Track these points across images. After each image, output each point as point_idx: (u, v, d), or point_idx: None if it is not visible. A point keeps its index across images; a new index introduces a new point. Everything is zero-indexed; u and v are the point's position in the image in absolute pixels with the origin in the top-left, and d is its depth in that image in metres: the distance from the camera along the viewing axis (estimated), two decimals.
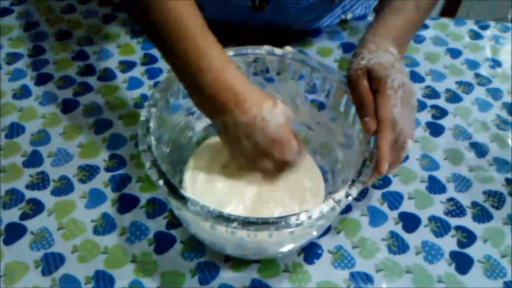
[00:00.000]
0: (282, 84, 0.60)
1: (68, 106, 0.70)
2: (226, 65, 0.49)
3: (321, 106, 0.60)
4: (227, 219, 0.44)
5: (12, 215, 0.58)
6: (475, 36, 0.84)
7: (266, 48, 0.58)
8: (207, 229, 0.48)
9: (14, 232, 0.57)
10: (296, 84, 0.60)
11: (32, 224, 0.57)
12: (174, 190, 0.46)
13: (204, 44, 0.48)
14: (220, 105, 0.48)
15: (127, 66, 0.75)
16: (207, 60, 0.48)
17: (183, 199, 0.45)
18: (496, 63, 0.80)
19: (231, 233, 0.47)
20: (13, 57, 0.76)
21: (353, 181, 0.48)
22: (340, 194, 0.46)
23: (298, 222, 0.44)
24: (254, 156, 0.51)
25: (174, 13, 0.47)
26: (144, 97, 0.71)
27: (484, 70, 0.78)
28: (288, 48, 0.59)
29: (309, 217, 0.45)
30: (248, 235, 0.47)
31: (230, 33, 0.79)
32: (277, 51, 0.58)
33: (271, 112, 0.49)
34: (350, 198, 0.46)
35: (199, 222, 0.48)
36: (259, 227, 0.44)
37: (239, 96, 0.48)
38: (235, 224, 0.43)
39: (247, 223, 0.44)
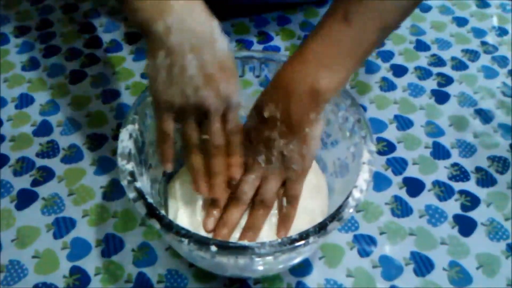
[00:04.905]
0: None
1: (75, 77, 0.71)
2: None
3: None
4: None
5: (23, 182, 0.59)
6: (482, 4, 0.83)
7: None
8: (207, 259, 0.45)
9: (25, 198, 0.58)
10: None
11: (43, 190, 0.59)
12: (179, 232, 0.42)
13: None
14: (169, 1, 0.42)
15: (133, 37, 0.76)
16: None
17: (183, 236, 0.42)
18: (503, 31, 0.79)
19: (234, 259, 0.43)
20: (21, 30, 0.77)
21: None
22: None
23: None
24: (197, 83, 0.43)
25: None
26: None
27: (491, 38, 0.78)
28: None
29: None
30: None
31: (238, 8, 0.80)
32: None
33: (222, 34, 0.44)
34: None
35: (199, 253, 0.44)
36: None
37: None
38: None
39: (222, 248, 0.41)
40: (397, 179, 0.61)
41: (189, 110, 0.45)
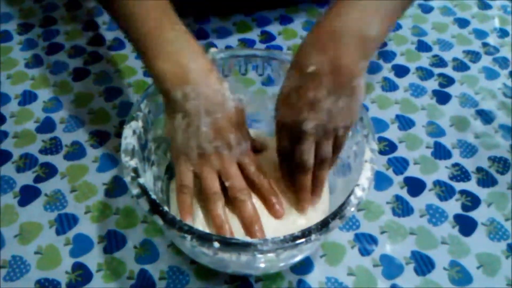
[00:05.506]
0: None
1: (79, 75, 0.71)
2: (190, 39, 0.48)
3: None
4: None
5: (26, 178, 0.60)
6: (484, 6, 0.84)
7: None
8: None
9: (28, 194, 0.58)
10: None
11: (46, 187, 0.59)
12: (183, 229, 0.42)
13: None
14: (187, 73, 0.46)
15: None
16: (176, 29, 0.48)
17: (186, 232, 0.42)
18: (504, 33, 0.79)
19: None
20: (24, 28, 0.77)
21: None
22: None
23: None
24: (210, 137, 0.47)
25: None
26: None
27: (492, 40, 0.78)
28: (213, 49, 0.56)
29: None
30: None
31: (240, 5, 0.80)
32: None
33: (230, 94, 0.48)
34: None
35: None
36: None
37: (207, 66, 0.47)
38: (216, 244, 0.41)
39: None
40: (398, 179, 0.61)
41: (206, 160, 0.48)
